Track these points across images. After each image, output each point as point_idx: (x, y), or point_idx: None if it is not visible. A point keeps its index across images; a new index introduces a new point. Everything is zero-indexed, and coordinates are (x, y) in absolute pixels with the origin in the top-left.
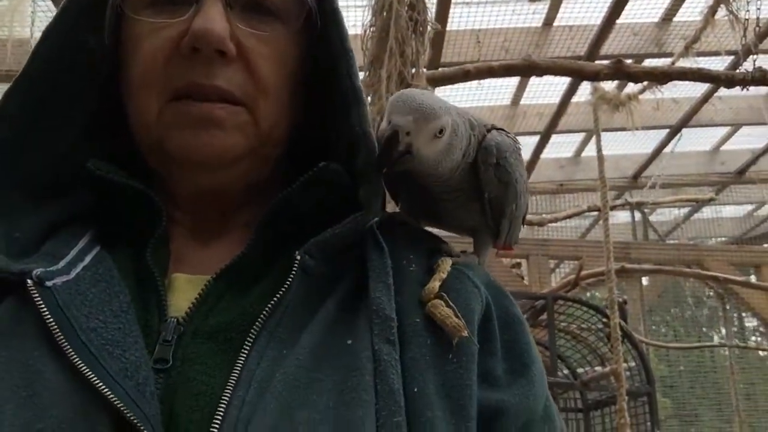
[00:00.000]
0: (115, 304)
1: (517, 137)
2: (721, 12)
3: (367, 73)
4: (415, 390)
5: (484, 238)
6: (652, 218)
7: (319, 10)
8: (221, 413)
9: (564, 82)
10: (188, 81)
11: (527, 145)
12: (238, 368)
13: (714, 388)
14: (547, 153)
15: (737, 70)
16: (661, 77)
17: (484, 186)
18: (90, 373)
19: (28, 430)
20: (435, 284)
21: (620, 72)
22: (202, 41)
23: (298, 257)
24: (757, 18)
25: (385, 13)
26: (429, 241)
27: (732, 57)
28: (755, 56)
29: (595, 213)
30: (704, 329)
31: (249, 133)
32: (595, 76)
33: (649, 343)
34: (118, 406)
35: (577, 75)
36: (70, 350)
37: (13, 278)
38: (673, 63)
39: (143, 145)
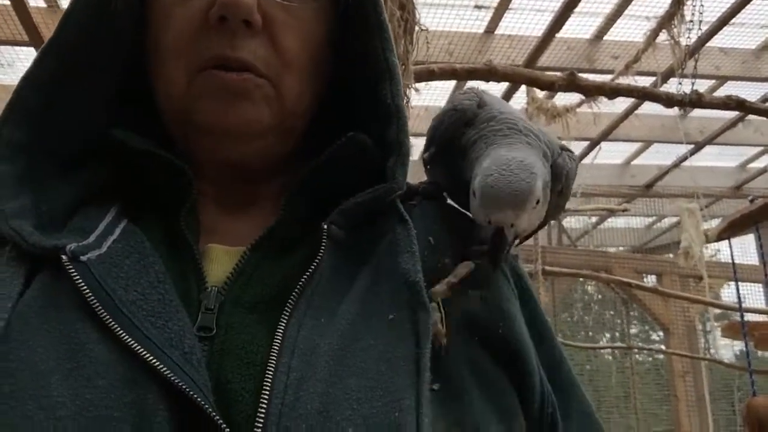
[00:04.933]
0: (152, 275)
1: None
2: (661, 36)
3: None
4: (455, 372)
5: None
6: (564, 224)
7: None
8: (269, 380)
9: (500, 88)
10: (215, 53)
11: None
12: (279, 336)
13: (591, 386)
14: None
15: (677, 92)
16: (610, 93)
17: None
18: (135, 344)
19: (77, 400)
20: (442, 288)
21: (573, 84)
22: (230, 10)
23: (325, 227)
24: (690, 44)
25: None
26: (465, 222)
27: (669, 77)
28: (693, 80)
29: None
30: (590, 333)
31: (273, 106)
32: (550, 86)
33: (564, 343)
34: (167, 374)
35: (534, 84)
36: (113, 323)
37: (46, 253)
38: (613, 80)
39: (170, 115)
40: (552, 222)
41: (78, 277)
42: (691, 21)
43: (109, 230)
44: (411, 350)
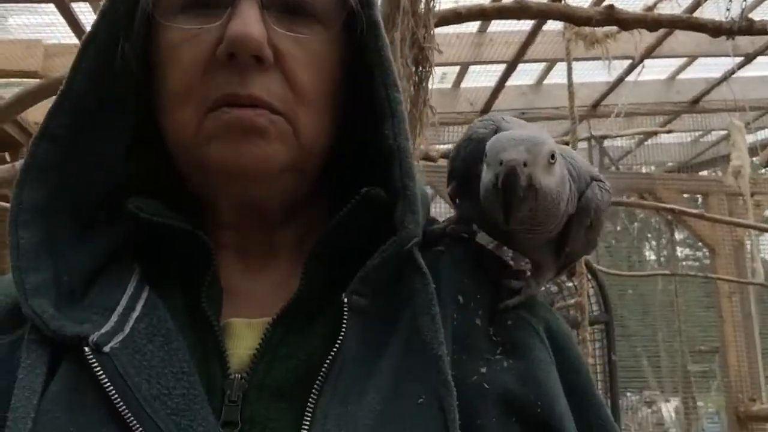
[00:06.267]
0: (176, 364)
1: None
2: None
3: None
4: None
5: (544, 270)
6: (605, 143)
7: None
8: None
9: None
10: (224, 91)
11: (493, 72)
12: (305, 430)
13: (640, 301)
14: (511, 81)
15: (724, 19)
16: (652, 25)
17: (570, 242)
18: None
19: None
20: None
21: (611, 18)
22: (239, 47)
23: (346, 299)
24: None
25: None
26: (496, 271)
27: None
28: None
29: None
30: (635, 242)
31: (290, 144)
32: (586, 22)
33: (605, 271)
34: None
35: (569, 20)
36: (138, 426)
37: (67, 342)
38: (654, 5)
39: (182, 160)
40: (593, 142)
41: (102, 373)
42: None
43: (131, 305)
44: None
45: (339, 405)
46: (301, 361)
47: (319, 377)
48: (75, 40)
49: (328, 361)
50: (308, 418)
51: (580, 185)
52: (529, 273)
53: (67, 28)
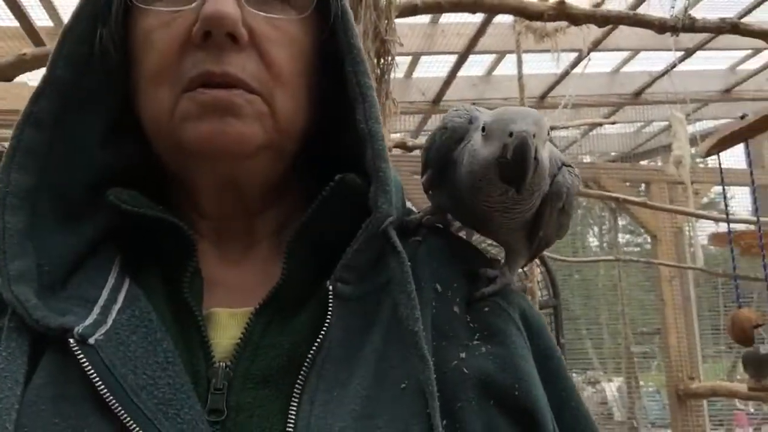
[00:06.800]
0: (160, 354)
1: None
2: None
3: None
4: None
5: (518, 256)
6: (552, 134)
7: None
8: None
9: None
10: (200, 70)
11: (444, 63)
12: (293, 418)
13: (584, 285)
14: (462, 72)
15: (669, 16)
16: (601, 21)
17: (543, 225)
18: None
19: None
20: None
21: (563, 13)
22: (213, 24)
23: (330, 286)
24: None
25: None
26: (471, 260)
27: None
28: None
29: None
30: (579, 228)
31: (267, 124)
32: (538, 17)
33: (551, 257)
34: None
35: (521, 14)
36: (126, 416)
37: (51, 333)
38: (602, 0)
39: (160, 144)
40: None
41: (88, 365)
42: None
43: (113, 297)
44: (424, 424)
45: (325, 391)
46: (285, 350)
47: (305, 365)
48: (15, 23)
49: (313, 349)
50: (295, 405)
51: (552, 169)
52: (502, 261)
53: (8, 11)
